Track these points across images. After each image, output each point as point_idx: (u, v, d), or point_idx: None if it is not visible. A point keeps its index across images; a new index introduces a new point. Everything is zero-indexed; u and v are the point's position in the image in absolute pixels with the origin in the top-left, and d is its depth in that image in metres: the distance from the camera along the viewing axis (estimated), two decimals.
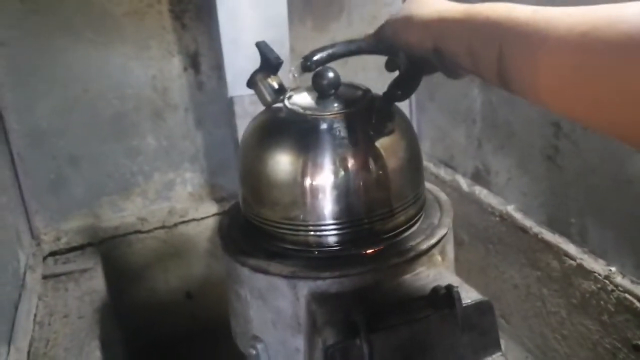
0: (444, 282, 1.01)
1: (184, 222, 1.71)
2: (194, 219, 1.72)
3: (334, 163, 1.03)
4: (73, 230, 1.62)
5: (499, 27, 0.64)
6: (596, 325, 1.38)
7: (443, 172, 1.83)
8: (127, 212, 1.67)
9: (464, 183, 1.75)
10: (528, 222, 1.53)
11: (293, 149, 1.05)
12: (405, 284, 1.06)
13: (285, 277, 1.06)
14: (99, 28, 1.53)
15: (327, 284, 1.05)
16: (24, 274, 1.39)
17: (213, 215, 1.74)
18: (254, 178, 1.09)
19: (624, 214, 1.26)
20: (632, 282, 1.27)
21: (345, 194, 1.04)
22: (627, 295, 1.27)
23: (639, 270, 1.26)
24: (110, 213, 1.66)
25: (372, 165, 1.04)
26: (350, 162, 1.03)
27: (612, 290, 1.31)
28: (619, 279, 1.30)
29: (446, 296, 0.99)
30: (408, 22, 0.82)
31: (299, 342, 1.09)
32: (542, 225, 1.49)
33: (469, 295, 1.01)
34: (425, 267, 1.09)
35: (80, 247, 1.59)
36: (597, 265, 1.35)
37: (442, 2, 0.79)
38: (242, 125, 1.60)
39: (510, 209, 1.58)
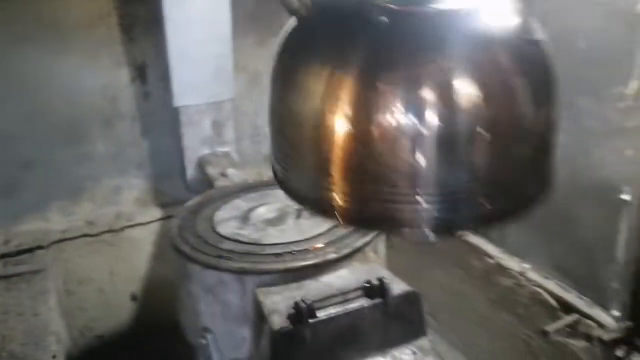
0: (376, 276, 1.14)
1: (130, 226, 1.76)
2: (140, 223, 1.78)
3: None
4: (24, 233, 1.64)
5: None
6: (512, 318, 1.54)
7: None
8: (76, 216, 1.71)
9: None
10: None
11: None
12: (342, 277, 1.18)
13: (234, 272, 1.16)
14: (51, 37, 1.56)
15: (272, 278, 1.16)
16: None
17: (158, 220, 1.79)
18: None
19: (537, 216, 1.41)
20: (544, 277, 1.43)
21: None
22: (539, 289, 1.44)
23: (549, 267, 1.42)
24: (59, 217, 1.69)
25: None
26: None
27: (526, 285, 1.47)
28: (532, 275, 1.46)
29: (378, 287, 1.12)
30: None
31: (246, 331, 1.19)
32: None
33: (398, 287, 1.15)
34: (359, 263, 1.22)
35: (30, 250, 1.62)
36: (513, 263, 1.51)
37: None
38: (188, 133, 1.69)
39: None
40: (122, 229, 1.76)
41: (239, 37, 1.71)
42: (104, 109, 1.68)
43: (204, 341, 1.24)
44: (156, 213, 1.80)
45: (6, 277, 1.50)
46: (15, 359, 1.25)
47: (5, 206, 1.64)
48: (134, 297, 1.84)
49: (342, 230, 1.27)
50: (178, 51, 1.61)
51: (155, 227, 1.80)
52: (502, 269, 1.53)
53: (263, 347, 1.10)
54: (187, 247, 1.22)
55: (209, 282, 1.19)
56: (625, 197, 1.19)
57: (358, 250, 1.21)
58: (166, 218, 1.77)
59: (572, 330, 1.35)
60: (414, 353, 1.15)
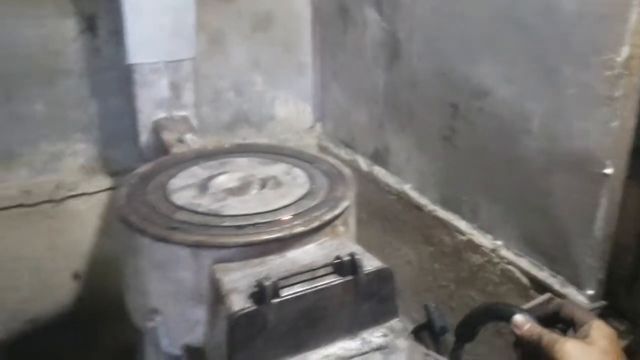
0: (347, 251, 1.04)
1: (73, 196, 1.61)
2: (84, 193, 1.62)
3: None
4: None
5: None
6: (481, 296, 1.47)
7: (343, 153, 1.87)
8: (10, 183, 1.54)
9: (363, 163, 1.80)
10: (423, 200, 1.59)
11: None
12: (310, 252, 1.08)
13: (188, 246, 1.03)
14: None
15: (232, 252, 1.04)
16: None
17: (106, 189, 1.65)
18: None
19: (512, 190, 1.35)
20: (516, 254, 1.37)
21: None
22: (510, 267, 1.37)
23: (521, 244, 1.36)
24: None
25: None
26: None
27: (498, 263, 1.40)
28: (504, 252, 1.39)
29: (349, 264, 1.01)
30: None
31: (201, 313, 1.07)
32: (437, 203, 1.57)
33: (370, 263, 1.05)
34: (329, 237, 1.12)
35: None
36: (485, 240, 1.44)
37: None
38: (142, 95, 1.54)
39: (407, 187, 1.64)
40: (64, 199, 1.61)
41: None
42: (45, 64, 1.52)
43: (151, 324, 1.11)
44: (104, 182, 1.65)
45: None
46: None
47: None
48: (76, 276, 1.70)
49: (310, 203, 1.16)
50: (133, 2, 1.45)
51: (102, 198, 1.66)
52: (473, 246, 1.46)
53: (219, 330, 0.98)
54: (136, 217, 1.08)
55: (160, 258, 1.06)
56: (608, 170, 1.12)
57: (328, 223, 1.11)
58: (115, 188, 1.63)
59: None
60: (385, 335, 1.06)
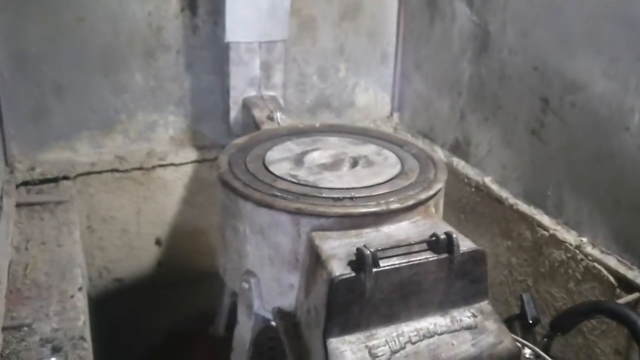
0: (441, 230, 1.05)
1: (162, 165, 1.68)
2: (172, 164, 1.69)
3: None
4: (49, 161, 1.56)
5: None
6: (561, 293, 1.46)
7: (420, 143, 1.88)
8: (106, 149, 1.62)
9: (441, 154, 1.80)
10: (504, 193, 1.59)
11: None
12: (404, 229, 1.10)
13: (290, 212, 1.07)
14: None
15: (329, 222, 1.07)
16: (1, 198, 1.33)
17: (192, 162, 1.70)
18: None
19: (602, 187, 1.33)
20: (602, 252, 1.35)
21: None
22: (595, 264, 1.35)
23: (609, 241, 1.34)
24: (88, 148, 1.61)
25: None
26: None
27: (582, 260, 1.39)
28: (589, 249, 1.38)
29: (445, 242, 1.03)
30: None
31: (294, 278, 1.10)
32: (518, 197, 1.56)
33: (465, 244, 1.06)
34: (421, 217, 1.14)
35: (55, 180, 1.54)
36: (569, 236, 1.42)
37: None
38: (235, 72, 1.60)
39: (487, 180, 1.64)
40: (154, 167, 1.68)
41: None
42: (147, 39, 1.59)
43: (246, 285, 1.15)
44: (191, 154, 1.71)
45: (29, 204, 1.42)
46: (39, 288, 1.18)
47: (32, 132, 1.56)
48: (158, 242, 1.77)
49: (403, 182, 1.18)
50: None
51: (188, 170, 1.72)
52: (556, 242, 1.45)
53: (316, 295, 1.01)
54: (239, 183, 1.13)
55: (260, 222, 1.10)
56: None
57: (422, 202, 1.13)
58: (202, 161, 1.69)
59: (634, 309, 1.27)
60: (475, 316, 1.07)
